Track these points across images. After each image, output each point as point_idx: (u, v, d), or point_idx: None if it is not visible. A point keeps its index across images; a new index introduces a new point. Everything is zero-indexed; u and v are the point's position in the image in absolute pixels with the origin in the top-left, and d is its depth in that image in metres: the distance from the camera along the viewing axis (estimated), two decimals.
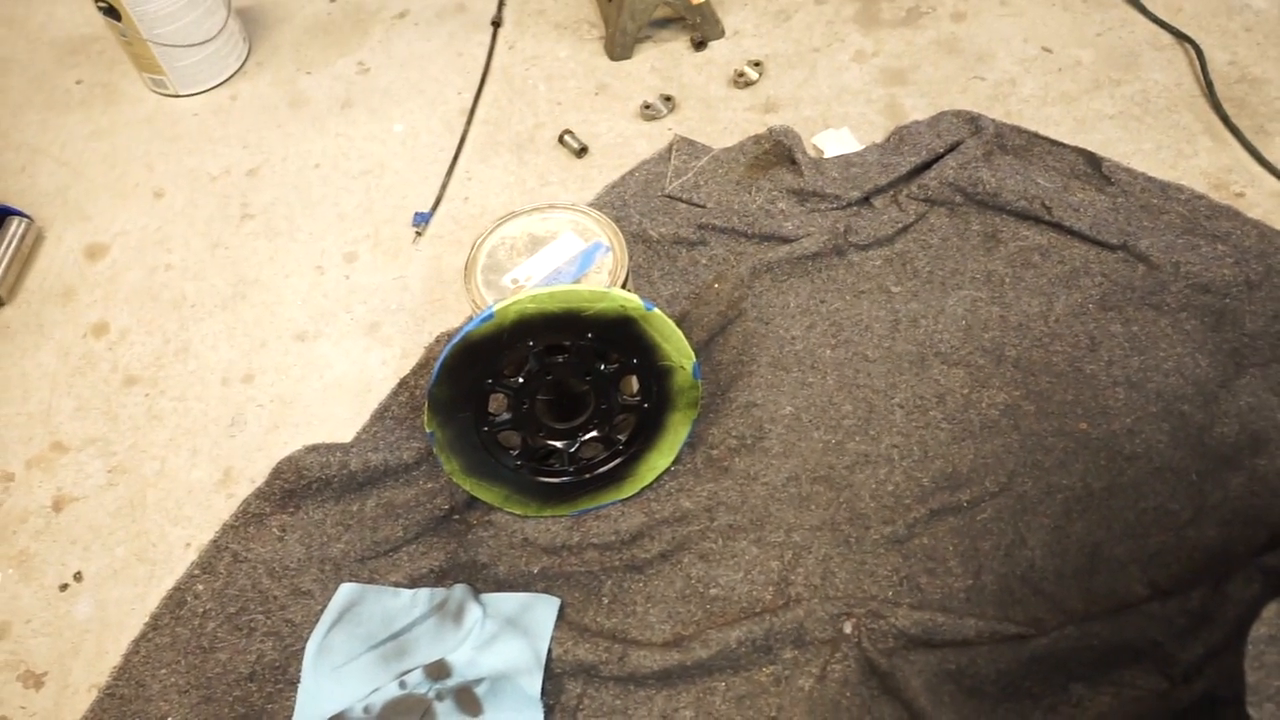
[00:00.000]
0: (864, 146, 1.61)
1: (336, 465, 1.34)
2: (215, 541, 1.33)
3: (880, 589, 1.22)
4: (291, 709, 1.20)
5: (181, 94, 1.82)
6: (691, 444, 1.34)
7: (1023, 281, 1.45)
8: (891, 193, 1.54)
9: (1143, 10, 1.72)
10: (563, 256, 1.25)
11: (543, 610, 1.23)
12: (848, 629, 1.19)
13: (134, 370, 1.51)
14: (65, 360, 1.53)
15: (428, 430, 1.21)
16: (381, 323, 1.52)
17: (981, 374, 1.37)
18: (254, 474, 1.38)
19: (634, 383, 1.24)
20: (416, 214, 1.61)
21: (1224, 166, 1.53)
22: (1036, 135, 1.59)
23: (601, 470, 1.29)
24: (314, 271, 1.58)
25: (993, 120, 1.59)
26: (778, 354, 1.41)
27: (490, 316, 1.14)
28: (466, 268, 1.25)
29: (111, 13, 1.69)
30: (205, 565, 1.31)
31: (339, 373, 1.48)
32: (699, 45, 1.77)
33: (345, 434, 1.41)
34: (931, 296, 1.45)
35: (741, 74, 1.71)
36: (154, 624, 1.27)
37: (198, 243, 1.64)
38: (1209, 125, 1.58)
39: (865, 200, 1.54)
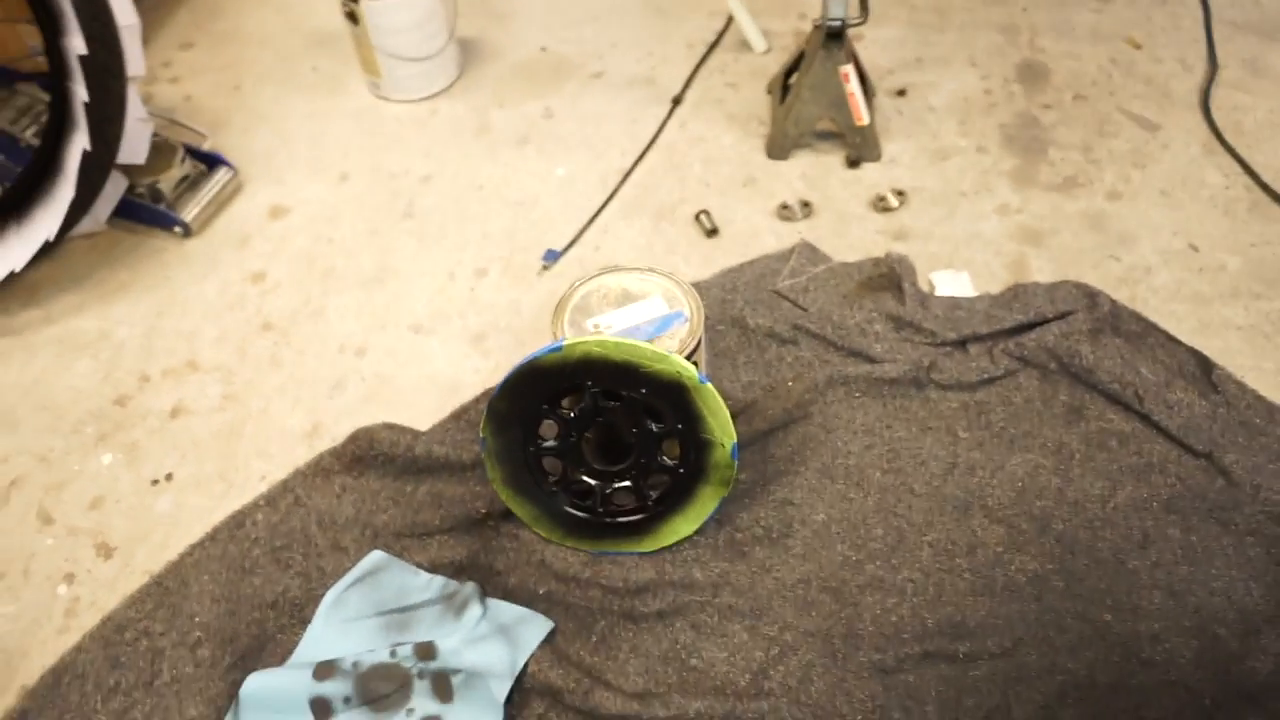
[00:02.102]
0: (977, 294, 1.64)
1: (404, 446, 1.48)
2: (285, 482, 1.48)
3: (852, 710, 1.23)
4: (296, 643, 1.32)
5: (391, 99, 2.06)
6: (719, 521, 1.40)
7: (1092, 462, 1.44)
8: (989, 344, 1.56)
9: None
10: (645, 316, 1.35)
11: (535, 627, 1.31)
12: None
13: (273, 318, 1.71)
14: (223, 295, 1.75)
15: (481, 435, 1.33)
16: (487, 336, 1.66)
17: (1021, 537, 1.37)
18: (337, 434, 1.54)
19: (675, 447, 1.32)
20: (549, 250, 1.76)
21: None
22: (1154, 326, 1.58)
23: (628, 520, 1.37)
24: (446, 277, 1.75)
25: (1112, 300, 1.59)
26: (829, 462, 1.46)
27: (559, 349, 1.25)
28: (559, 303, 1.38)
29: (352, 17, 1.94)
30: (270, 499, 1.47)
31: (436, 369, 1.62)
32: (853, 163, 1.85)
33: (424, 423, 1.54)
34: (996, 451, 1.46)
35: (883, 198, 1.78)
36: (213, 535, 1.43)
37: (361, 226, 1.84)
38: None
39: (961, 344, 1.56)
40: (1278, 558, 1.33)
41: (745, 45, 2.09)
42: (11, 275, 1.71)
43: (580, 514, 1.37)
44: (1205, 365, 1.53)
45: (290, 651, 1.32)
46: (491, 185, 1.89)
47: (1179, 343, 1.56)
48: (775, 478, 1.45)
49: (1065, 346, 1.52)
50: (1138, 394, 1.47)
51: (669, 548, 1.38)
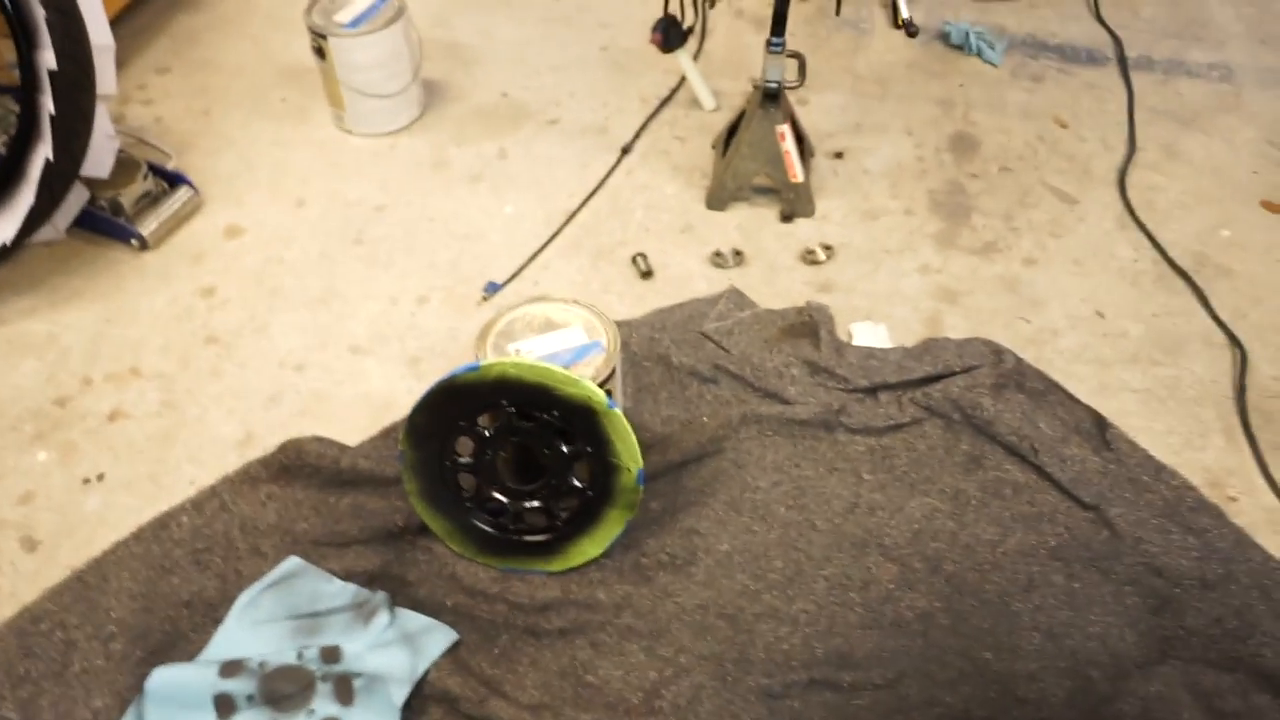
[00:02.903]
0: (892, 345, 1.72)
1: (330, 459, 1.53)
2: (213, 487, 1.53)
3: None
4: (207, 642, 1.36)
5: (355, 132, 2.14)
6: (627, 545, 1.45)
7: (987, 508, 1.51)
8: (898, 393, 1.64)
9: (1206, 305, 1.78)
10: (565, 344, 1.43)
11: (438, 637, 1.36)
12: None
13: (218, 332, 1.77)
14: (172, 307, 1.81)
15: (400, 448, 1.39)
16: (422, 360, 1.72)
17: (912, 576, 1.43)
18: (269, 444, 1.58)
19: (586, 471, 1.38)
20: (490, 283, 1.83)
21: (1227, 468, 1.55)
22: (1055, 385, 1.66)
23: (538, 539, 1.42)
24: (388, 301, 1.81)
25: (1017, 358, 1.67)
26: (737, 496, 1.52)
27: (476, 368, 1.32)
28: (485, 328, 1.45)
29: (320, 52, 2.03)
30: (196, 504, 1.51)
31: (371, 388, 1.68)
32: (786, 218, 1.94)
33: (355, 438, 1.60)
34: (897, 494, 1.53)
35: (812, 252, 1.87)
36: (137, 535, 1.47)
37: (312, 250, 1.91)
38: (1228, 427, 1.61)
39: (872, 391, 1.64)
40: (1152, 606, 1.40)
41: (696, 103, 2.19)
42: None
43: (492, 531, 1.43)
44: (1101, 424, 1.61)
45: (201, 650, 1.35)
46: (442, 218, 1.97)
47: (1078, 401, 1.64)
48: (685, 508, 1.51)
49: (969, 399, 1.60)
50: (1033, 447, 1.55)
51: (576, 568, 1.44)
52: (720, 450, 1.57)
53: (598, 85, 2.27)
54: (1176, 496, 1.52)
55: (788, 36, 1.79)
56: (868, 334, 1.74)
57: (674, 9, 2.03)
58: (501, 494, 1.41)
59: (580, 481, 1.39)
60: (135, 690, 1.30)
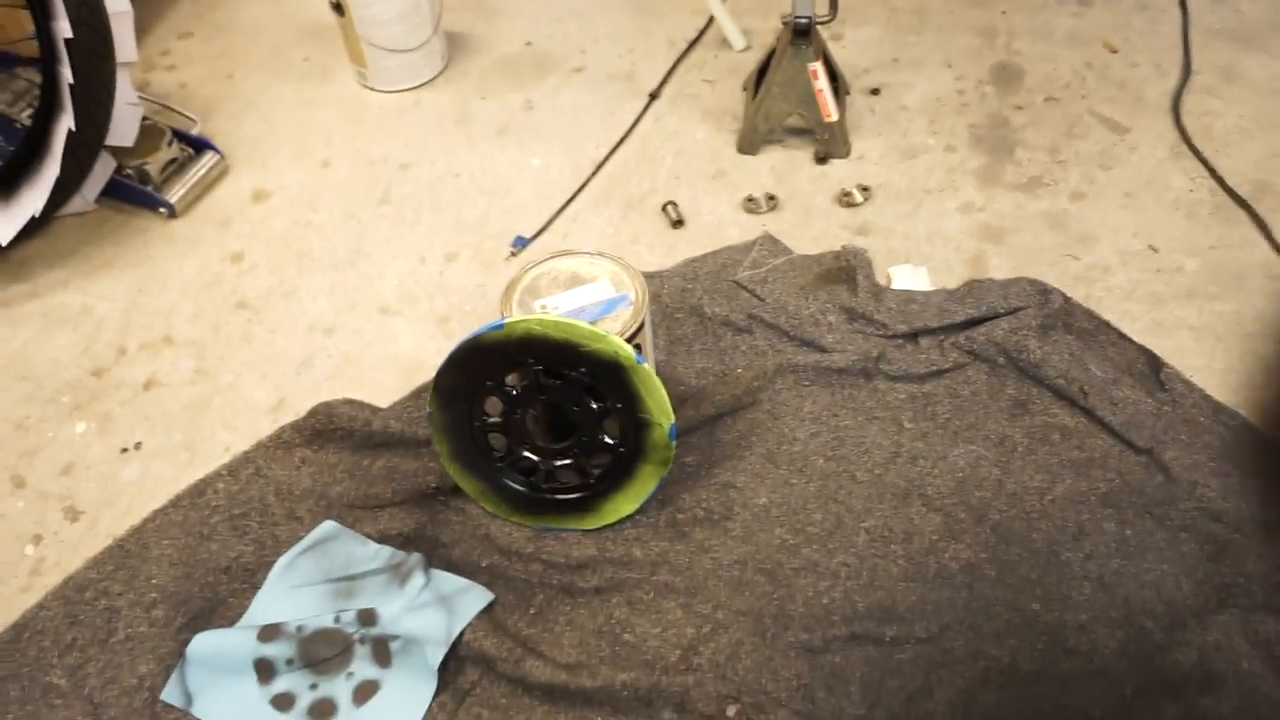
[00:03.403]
0: (934, 289, 1.66)
1: (362, 421, 1.52)
2: (247, 453, 1.53)
3: (777, 688, 1.26)
4: (246, 607, 1.37)
5: (377, 89, 2.11)
6: (662, 501, 1.43)
7: (1034, 455, 1.45)
8: (940, 337, 1.58)
9: (1267, 235, 1.69)
10: (591, 299, 1.39)
11: (474, 598, 1.35)
12: (731, 712, 1.23)
13: (248, 297, 1.76)
14: (201, 274, 1.80)
15: (428, 410, 1.37)
16: (452, 318, 1.70)
17: (957, 526, 1.39)
18: (301, 409, 1.58)
19: (617, 426, 1.35)
20: (518, 237, 1.80)
21: None
22: (1106, 324, 1.59)
23: (571, 497, 1.40)
24: (417, 260, 1.79)
25: (1065, 297, 1.60)
26: (774, 448, 1.48)
27: (501, 326, 1.29)
28: (509, 285, 1.41)
29: (339, 9, 1.99)
30: (232, 469, 1.51)
31: (401, 349, 1.66)
32: (821, 159, 1.87)
33: (386, 400, 1.59)
34: (940, 442, 1.48)
35: (848, 194, 1.80)
36: (175, 502, 1.48)
37: (338, 210, 1.89)
38: None
39: (912, 336, 1.59)
40: (1210, 553, 1.34)
41: (725, 43, 2.12)
42: None
43: (524, 490, 1.41)
44: (1154, 363, 1.54)
45: (240, 615, 1.36)
46: (468, 174, 1.93)
47: (1130, 340, 1.57)
48: (720, 461, 1.48)
49: (1014, 341, 1.54)
50: (1083, 390, 1.49)
51: (611, 525, 1.41)
52: (756, 402, 1.53)
53: (623, 29, 2.20)
54: (1235, 437, 1.45)
55: None
56: (908, 277, 1.68)
57: None
58: (532, 452, 1.39)
59: (611, 438, 1.36)
60: (178, 656, 1.31)
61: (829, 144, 1.87)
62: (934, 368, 1.54)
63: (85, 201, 1.88)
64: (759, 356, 1.59)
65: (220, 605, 1.38)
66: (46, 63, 1.70)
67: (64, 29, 1.63)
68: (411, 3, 1.99)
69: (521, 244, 1.79)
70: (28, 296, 1.78)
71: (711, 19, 2.14)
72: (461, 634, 1.30)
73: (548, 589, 1.37)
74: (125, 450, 1.56)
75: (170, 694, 1.29)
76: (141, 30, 2.31)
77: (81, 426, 1.60)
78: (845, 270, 1.68)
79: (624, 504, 1.40)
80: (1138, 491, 1.40)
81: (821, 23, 1.79)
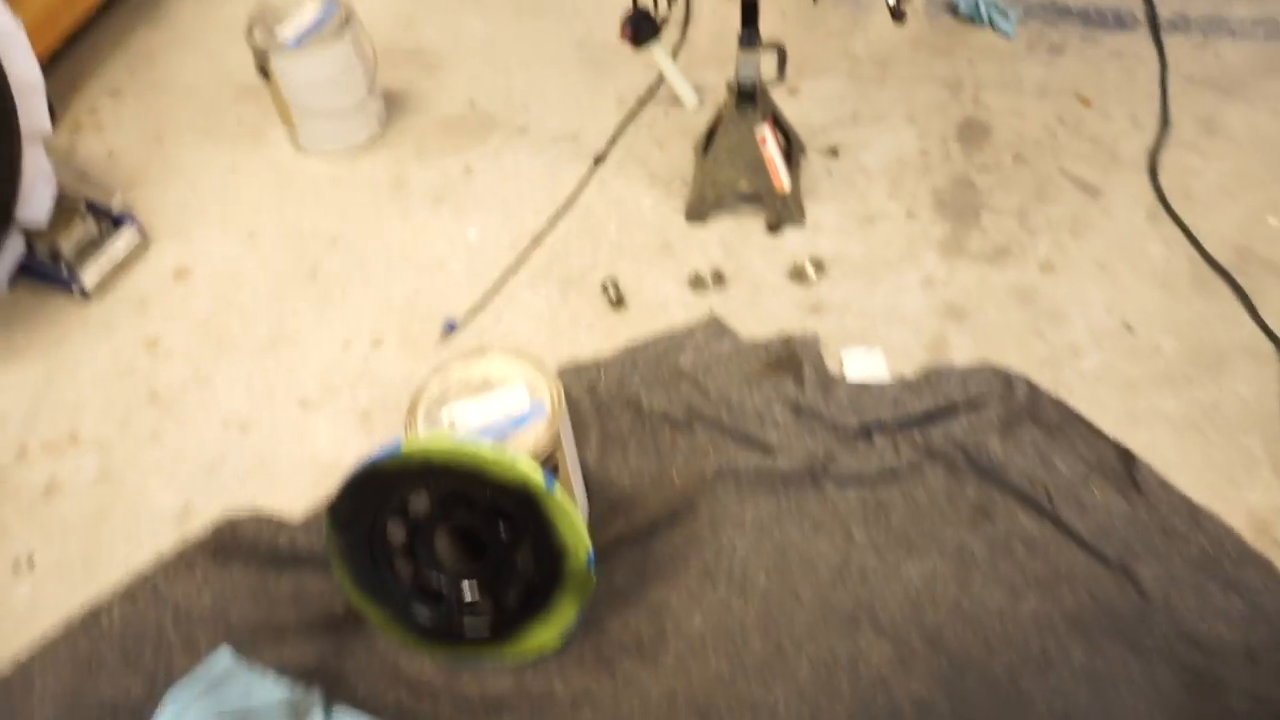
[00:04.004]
0: (889, 375, 1.54)
1: (268, 537, 1.41)
2: (145, 574, 1.41)
3: None
4: None
5: (310, 152, 2.00)
6: (587, 626, 1.31)
7: (995, 569, 1.33)
8: (894, 434, 1.46)
9: (1252, 311, 1.56)
10: (504, 410, 1.27)
11: None
12: None
13: (161, 388, 1.65)
14: (115, 362, 1.69)
15: (325, 535, 1.26)
16: (374, 413, 1.58)
17: (910, 656, 1.26)
18: (209, 516, 1.47)
19: (531, 554, 1.23)
20: (448, 321, 1.68)
21: (1276, 508, 1.35)
22: (1076, 415, 1.47)
23: (485, 627, 1.28)
24: (341, 346, 1.68)
25: (1031, 387, 1.48)
26: (712, 564, 1.36)
27: (397, 453, 1.17)
28: (416, 393, 1.30)
29: (264, 72, 1.88)
30: (128, 593, 1.40)
31: (319, 449, 1.55)
32: (773, 228, 1.76)
33: (298, 505, 1.48)
34: (892, 554, 1.36)
35: (801, 268, 1.68)
36: (66, 631, 1.36)
37: (263, 289, 1.78)
38: (1277, 458, 1.40)
39: (865, 432, 1.47)
40: (1188, 684, 1.22)
41: (677, 100, 2.01)
42: None
43: (434, 618, 1.29)
44: (1128, 461, 1.42)
45: None
46: (400, 247, 1.82)
47: (1101, 435, 1.45)
48: (653, 579, 1.36)
49: (974, 440, 1.41)
50: (1048, 494, 1.37)
51: (530, 658, 1.29)
52: (694, 510, 1.41)
53: (571, 85, 2.09)
54: (1216, 547, 1.33)
55: (776, 14, 1.59)
56: (862, 361, 1.56)
57: (645, 0, 1.85)
58: (441, 579, 1.27)
59: (526, 566, 1.24)
60: None
61: (781, 212, 1.75)
62: (887, 469, 1.42)
63: None
64: (699, 456, 1.47)
65: None
66: None
67: None
68: (341, 65, 1.88)
69: (452, 328, 1.68)
70: None
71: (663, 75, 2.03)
72: None
73: None
74: (17, 566, 1.45)
75: None
76: (71, 88, 2.21)
77: None
78: (794, 358, 1.56)
79: (542, 634, 1.28)
80: (1109, 612, 1.28)
81: (769, 85, 1.68)
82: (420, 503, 1.23)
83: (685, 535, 1.39)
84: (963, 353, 1.57)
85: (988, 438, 1.41)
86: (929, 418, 1.46)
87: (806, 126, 1.91)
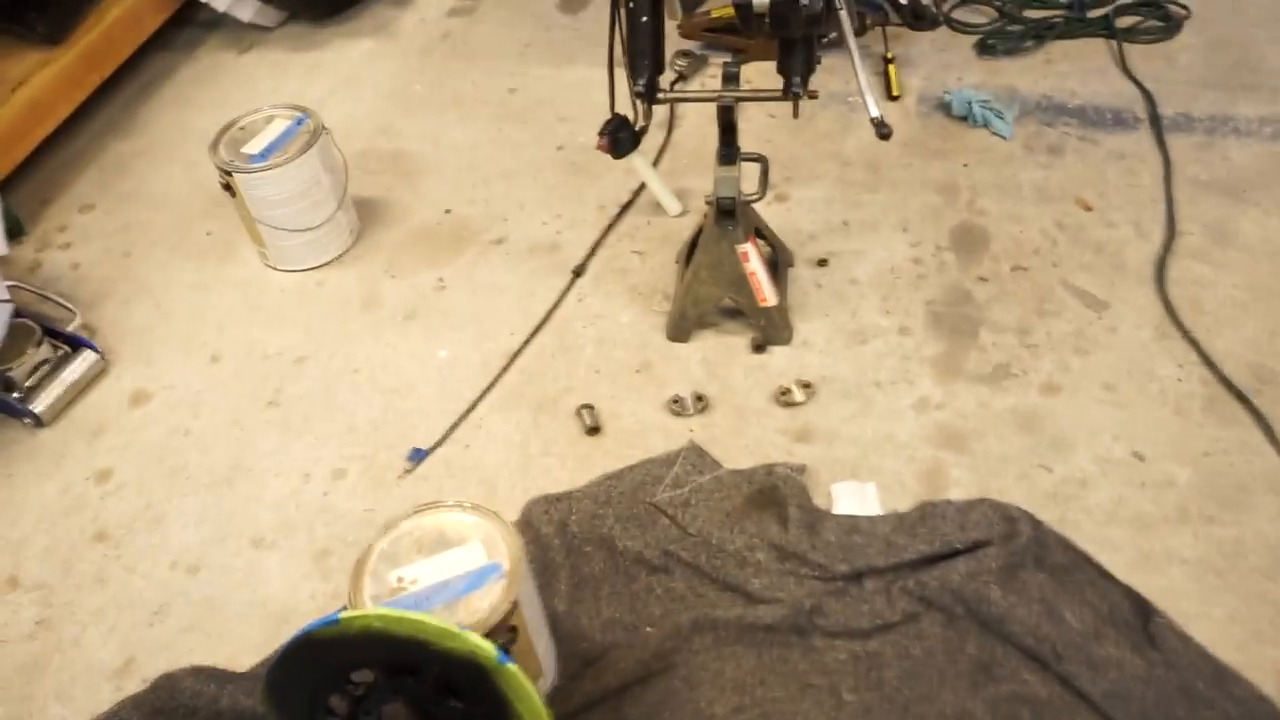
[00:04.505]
0: (883, 511, 1.43)
1: (208, 698, 1.30)
2: None
3: None
4: None
5: (279, 269, 1.93)
6: None
7: None
8: (887, 579, 1.35)
9: (1272, 439, 1.45)
10: (457, 569, 1.17)
11: None
12: None
13: (108, 527, 1.56)
14: (62, 497, 1.60)
15: (261, 708, 1.15)
16: (332, 553, 1.48)
17: None
18: (149, 672, 1.36)
19: None
20: (415, 449, 1.59)
21: None
22: (1085, 558, 1.35)
23: None
24: (300, 478, 1.58)
25: (1035, 526, 1.37)
26: None
27: (335, 622, 1.07)
28: (365, 553, 1.20)
29: (229, 189, 1.82)
30: None
31: (271, 593, 1.45)
32: (758, 347, 1.67)
33: (245, 657, 1.37)
34: (885, 718, 1.23)
35: (787, 391, 1.59)
36: None
37: (221, 417, 1.69)
38: None
39: (855, 578, 1.35)
40: None
41: (660, 207, 1.94)
42: None
43: None
44: (1143, 611, 1.30)
45: None
46: (368, 368, 1.73)
47: (1113, 580, 1.33)
48: None
49: (973, 589, 1.30)
50: (1056, 650, 1.24)
51: None
52: (670, 667, 1.29)
53: (551, 192, 2.02)
54: (1244, 713, 1.20)
55: (763, 115, 1.52)
56: (852, 496, 1.45)
57: (623, 107, 1.78)
58: None
59: None
60: None
61: (767, 330, 1.66)
62: (880, 621, 1.30)
63: None
64: (676, 603, 1.36)
65: None
66: None
67: None
68: (308, 180, 1.82)
69: (418, 456, 1.58)
70: None
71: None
72: None
73: None
74: None
75: None
76: (42, 202, 2.16)
77: None
78: (778, 492, 1.45)
79: None
80: None
81: (751, 200, 1.61)
82: (364, 675, 1.12)
83: (660, 694, 1.28)
84: (961, 485, 1.46)
85: (988, 588, 1.29)
86: (924, 561, 1.35)
87: (795, 235, 1.84)
